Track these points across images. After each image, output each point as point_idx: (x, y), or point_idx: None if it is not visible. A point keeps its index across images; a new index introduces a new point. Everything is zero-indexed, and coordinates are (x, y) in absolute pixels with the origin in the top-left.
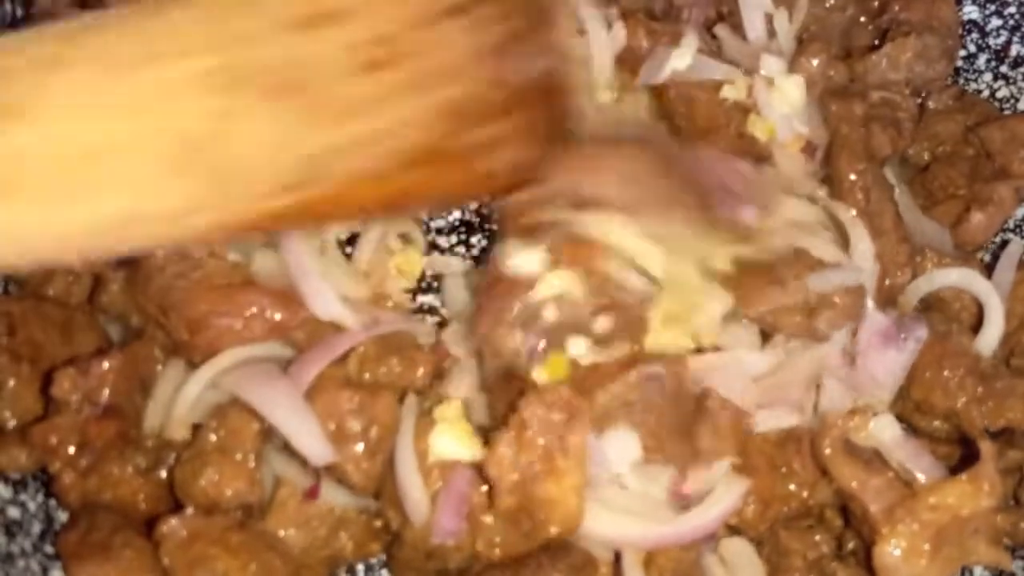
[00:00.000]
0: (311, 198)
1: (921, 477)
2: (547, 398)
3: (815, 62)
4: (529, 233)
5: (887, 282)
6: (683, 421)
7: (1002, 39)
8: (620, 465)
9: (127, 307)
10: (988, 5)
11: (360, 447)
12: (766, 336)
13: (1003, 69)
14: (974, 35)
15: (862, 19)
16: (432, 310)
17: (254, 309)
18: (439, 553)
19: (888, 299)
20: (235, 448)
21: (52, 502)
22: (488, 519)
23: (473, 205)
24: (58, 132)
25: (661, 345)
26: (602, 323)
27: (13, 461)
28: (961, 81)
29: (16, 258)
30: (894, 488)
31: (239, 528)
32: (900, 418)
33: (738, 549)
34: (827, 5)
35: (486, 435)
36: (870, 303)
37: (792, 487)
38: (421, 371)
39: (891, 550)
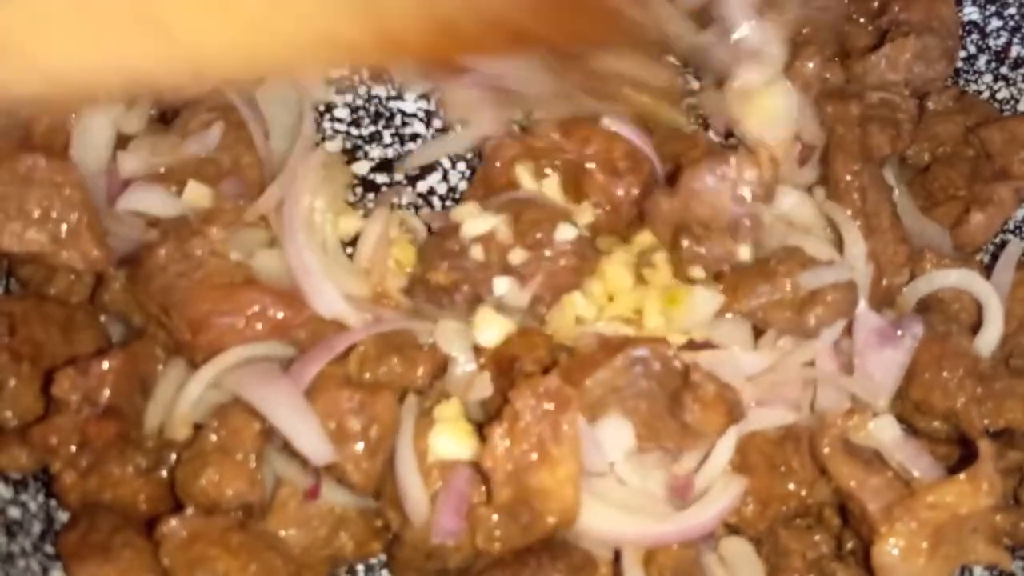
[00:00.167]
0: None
1: (920, 477)
2: (538, 388)
3: (810, 65)
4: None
5: (885, 282)
6: (672, 400)
7: (1002, 40)
8: (614, 453)
9: (129, 306)
10: (988, 6)
11: (360, 446)
12: (759, 334)
13: (1003, 70)
14: (974, 36)
15: (861, 20)
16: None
17: (256, 308)
18: (439, 553)
19: (886, 299)
20: (236, 448)
21: (52, 502)
22: (487, 513)
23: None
24: None
25: (650, 331)
26: (526, 263)
27: (13, 461)
28: (961, 82)
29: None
30: (893, 487)
31: (239, 528)
32: (899, 418)
33: (737, 548)
34: (822, 6)
35: (482, 431)
36: (863, 302)
37: (791, 486)
38: (421, 370)
39: (889, 549)
